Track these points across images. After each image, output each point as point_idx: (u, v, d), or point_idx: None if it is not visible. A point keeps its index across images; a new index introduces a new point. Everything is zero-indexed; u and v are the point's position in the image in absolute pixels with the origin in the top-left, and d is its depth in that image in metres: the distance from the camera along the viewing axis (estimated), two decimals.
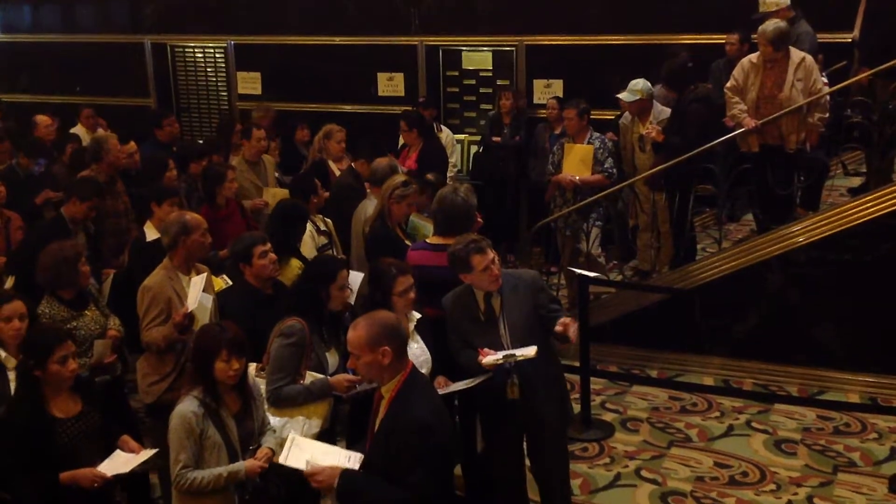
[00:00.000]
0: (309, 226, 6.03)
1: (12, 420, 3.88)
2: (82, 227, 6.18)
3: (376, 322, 3.50)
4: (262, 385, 4.30)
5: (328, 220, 6.41)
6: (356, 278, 5.04)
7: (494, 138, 9.37)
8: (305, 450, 3.68)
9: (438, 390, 4.24)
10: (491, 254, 4.43)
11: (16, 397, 4.02)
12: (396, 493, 3.36)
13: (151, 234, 5.82)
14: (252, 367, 4.35)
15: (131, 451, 4.04)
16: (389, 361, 3.45)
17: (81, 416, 3.99)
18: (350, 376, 4.26)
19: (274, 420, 4.21)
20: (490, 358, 4.35)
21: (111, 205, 6.68)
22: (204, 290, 4.83)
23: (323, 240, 6.20)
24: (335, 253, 6.18)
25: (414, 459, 3.33)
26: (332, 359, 4.45)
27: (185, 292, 4.83)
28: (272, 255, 4.96)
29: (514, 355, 4.33)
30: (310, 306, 4.41)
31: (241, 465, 3.81)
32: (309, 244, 6.02)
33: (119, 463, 3.93)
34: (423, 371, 4.21)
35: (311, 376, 4.30)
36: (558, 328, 4.43)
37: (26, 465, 3.78)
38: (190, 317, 4.68)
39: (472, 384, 4.51)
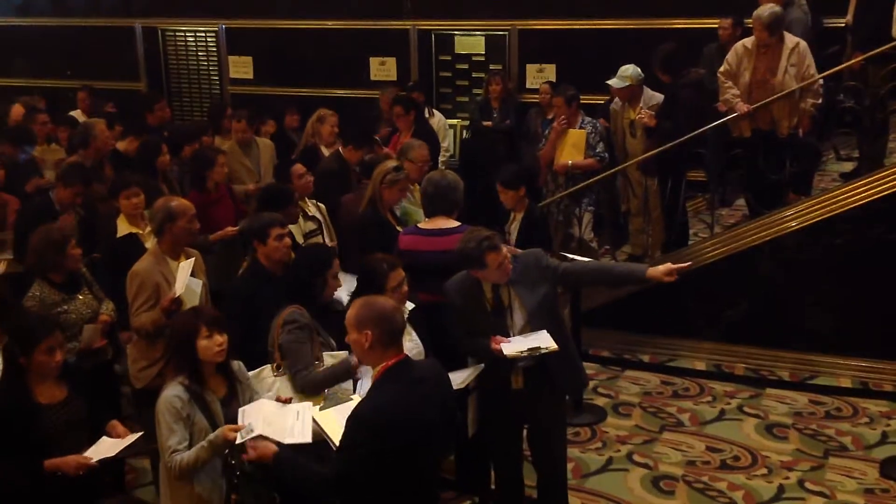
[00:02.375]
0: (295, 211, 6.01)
1: None
2: (73, 212, 6.15)
3: (369, 305, 3.52)
4: (279, 382, 4.22)
5: (321, 206, 6.35)
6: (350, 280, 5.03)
7: (485, 122, 9.33)
8: (257, 415, 3.70)
9: None
10: (504, 250, 4.35)
11: (1, 382, 3.97)
12: (321, 471, 3.42)
13: (123, 227, 5.73)
14: (266, 368, 4.28)
15: (118, 436, 3.99)
16: (370, 346, 3.44)
17: (66, 402, 3.95)
18: None
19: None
20: (511, 349, 4.27)
21: (99, 189, 6.64)
22: (193, 276, 4.81)
23: (311, 225, 6.15)
24: (324, 238, 6.15)
25: (347, 443, 3.36)
26: (331, 343, 4.43)
27: (173, 277, 4.81)
28: (287, 240, 4.94)
29: (538, 348, 4.25)
30: (305, 294, 4.37)
31: (218, 431, 3.72)
32: (294, 229, 6.01)
33: (105, 448, 3.91)
34: None
35: (328, 357, 4.26)
36: (667, 278, 4.37)
37: (9, 450, 3.74)
38: (178, 301, 4.65)
39: (468, 380, 4.47)
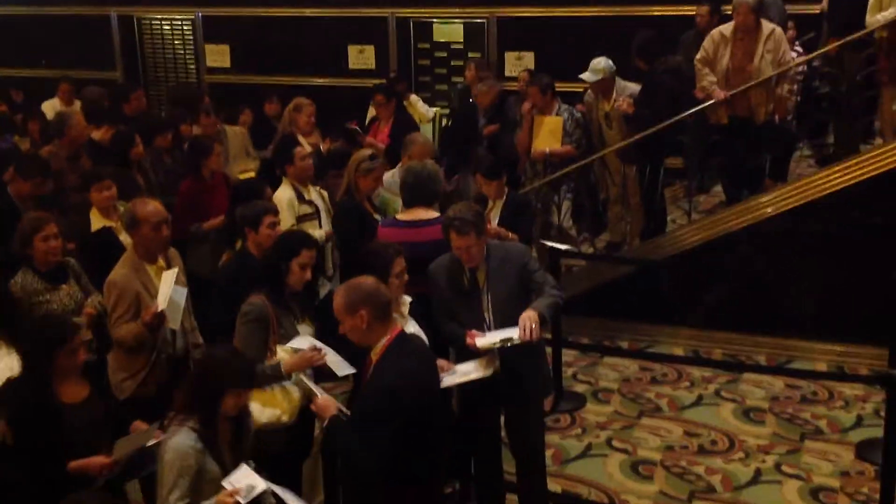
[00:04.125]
0: (290, 192, 6.05)
1: (19, 404, 3.76)
2: (35, 206, 6.05)
3: (352, 288, 3.62)
4: None
5: (324, 193, 6.31)
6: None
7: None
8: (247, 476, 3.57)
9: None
10: (469, 241, 4.33)
11: (22, 381, 3.87)
12: (362, 448, 3.49)
13: (96, 221, 5.64)
14: None
15: None
16: (367, 324, 3.56)
17: (88, 401, 3.89)
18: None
19: None
20: (484, 342, 4.30)
21: (73, 180, 6.57)
22: (177, 283, 4.74)
23: (305, 209, 6.14)
24: (321, 224, 6.15)
25: (376, 420, 3.46)
26: (307, 330, 4.43)
27: (153, 284, 4.68)
28: (279, 228, 4.94)
29: (511, 339, 4.25)
30: (271, 279, 4.38)
31: (213, 500, 3.46)
32: (286, 211, 6.02)
33: (125, 445, 3.80)
34: None
35: (281, 351, 4.27)
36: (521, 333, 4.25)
37: (33, 450, 3.67)
38: (160, 316, 4.55)
39: (475, 377, 4.41)
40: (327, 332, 4.31)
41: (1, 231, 5.78)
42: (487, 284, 4.47)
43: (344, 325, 3.61)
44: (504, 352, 4.36)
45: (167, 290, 4.60)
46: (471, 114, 8.68)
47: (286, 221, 5.94)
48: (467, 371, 4.39)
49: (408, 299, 4.48)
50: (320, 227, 6.12)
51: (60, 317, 4.32)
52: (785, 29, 7.28)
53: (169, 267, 4.85)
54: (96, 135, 7.53)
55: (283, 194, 6.05)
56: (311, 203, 6.18)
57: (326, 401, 3.70)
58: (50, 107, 9.56)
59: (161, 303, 4.56)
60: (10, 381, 3.93)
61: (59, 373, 3.83)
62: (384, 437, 3.43)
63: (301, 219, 6.06)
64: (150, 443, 3.82)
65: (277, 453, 4.15)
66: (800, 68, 7.53)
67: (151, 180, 6.69)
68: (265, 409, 4.18)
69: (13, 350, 4.16)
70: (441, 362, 4.31)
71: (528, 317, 4.25)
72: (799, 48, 8.04)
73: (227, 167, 7.46)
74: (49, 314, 4.46)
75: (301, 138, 7.60)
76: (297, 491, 4.17)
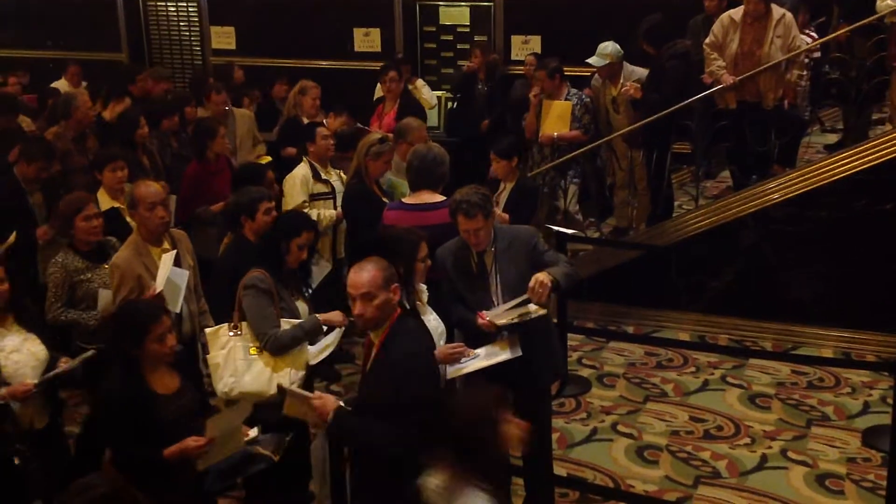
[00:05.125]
0: (307, 169, 6.14)
1: (116, 395, 3.69)
2: (41, 187, 6.05)
3: (384, 265, 3.59)
4: (232, 342, 4.27)
5: (343, 175, 6.31)
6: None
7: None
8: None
9: (453, 367, 4.21)
10: (476, 223, 4.31)
11: (115, 373, 3.78)
12: (389, 431, 3.40)
13: (105, 202, 5.64)
14: (224, 326, 4.33)
15: None
16: (399, 297, 3.61)
17: (181, 392, 3.83)
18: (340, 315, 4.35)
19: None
20: (502, 320, 4.25)
21: (79, 161, 6.57)
22: (178, 264, 4.72)
23: (321, 188, 6.20)
24: (335, 206, 6.20)
25: (390, 402, 3.41)
26: (303, 307, 4.48)
27: (156, 266, 4.71)
28: (275, 214, 4.94)
29: (528, 313, 4.22)
30: (271, 256, 4.41)
31: None
32: (298, 188, 6.04)
33: (218, 424, 3.75)
34: (441, 342, 4.21)
35: (285, 323, 4.29)
36: (530, 294, 4.22)
37: (131, 441, 3.62)
38: (159, 297, 4.54)
39: (502, 359, 4.38)
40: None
41: (7, 213, 5.81)
42: (496, 267, 4.45)
43: (377, 299, 3.48)
44: (519, 331, 4.33)
45: (165, 272, 4.62)
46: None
47: (297, 198, 6.02)
48: (491, 354, 4.35)
49: (424, 287, 4.46)
50: (335, 207, 6.18)
51: (145, 301, 4.28)
52: (797, 15, 7.22)
53: (174, 249, 4.87)
54: (105, 114, 7.53)
55: (299, 171, 6.17)
56: (327, 182, 6.22)
57: (322, 398, 3.62)
58: (58, 87, 9.53)
59: (159, 285, 4.58)
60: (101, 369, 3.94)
61: (149, 361, 3.74)
62: (403, 416, 3.37)
63: (315, 197, 6.14)
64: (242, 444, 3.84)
65: (275, 426, 4.16)
66: (815, 53, 7.49)
67: (157, 163, 6.69)
68: (274, 375, 4.21)
69: (31, 336, 4.19)
70: (461, 347, 4.30)
71: (539, 278, 4.18)
72: (814, 34, 7.99)
73: (236, 149, 7.48)
74: (133, 300, 4.44)
75: (306, 121, 7.60)
76: (307, 470, 4.27)
